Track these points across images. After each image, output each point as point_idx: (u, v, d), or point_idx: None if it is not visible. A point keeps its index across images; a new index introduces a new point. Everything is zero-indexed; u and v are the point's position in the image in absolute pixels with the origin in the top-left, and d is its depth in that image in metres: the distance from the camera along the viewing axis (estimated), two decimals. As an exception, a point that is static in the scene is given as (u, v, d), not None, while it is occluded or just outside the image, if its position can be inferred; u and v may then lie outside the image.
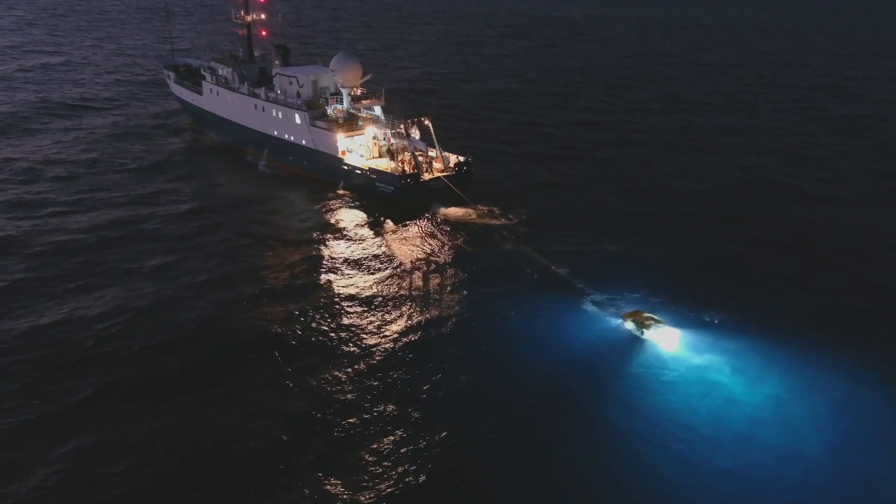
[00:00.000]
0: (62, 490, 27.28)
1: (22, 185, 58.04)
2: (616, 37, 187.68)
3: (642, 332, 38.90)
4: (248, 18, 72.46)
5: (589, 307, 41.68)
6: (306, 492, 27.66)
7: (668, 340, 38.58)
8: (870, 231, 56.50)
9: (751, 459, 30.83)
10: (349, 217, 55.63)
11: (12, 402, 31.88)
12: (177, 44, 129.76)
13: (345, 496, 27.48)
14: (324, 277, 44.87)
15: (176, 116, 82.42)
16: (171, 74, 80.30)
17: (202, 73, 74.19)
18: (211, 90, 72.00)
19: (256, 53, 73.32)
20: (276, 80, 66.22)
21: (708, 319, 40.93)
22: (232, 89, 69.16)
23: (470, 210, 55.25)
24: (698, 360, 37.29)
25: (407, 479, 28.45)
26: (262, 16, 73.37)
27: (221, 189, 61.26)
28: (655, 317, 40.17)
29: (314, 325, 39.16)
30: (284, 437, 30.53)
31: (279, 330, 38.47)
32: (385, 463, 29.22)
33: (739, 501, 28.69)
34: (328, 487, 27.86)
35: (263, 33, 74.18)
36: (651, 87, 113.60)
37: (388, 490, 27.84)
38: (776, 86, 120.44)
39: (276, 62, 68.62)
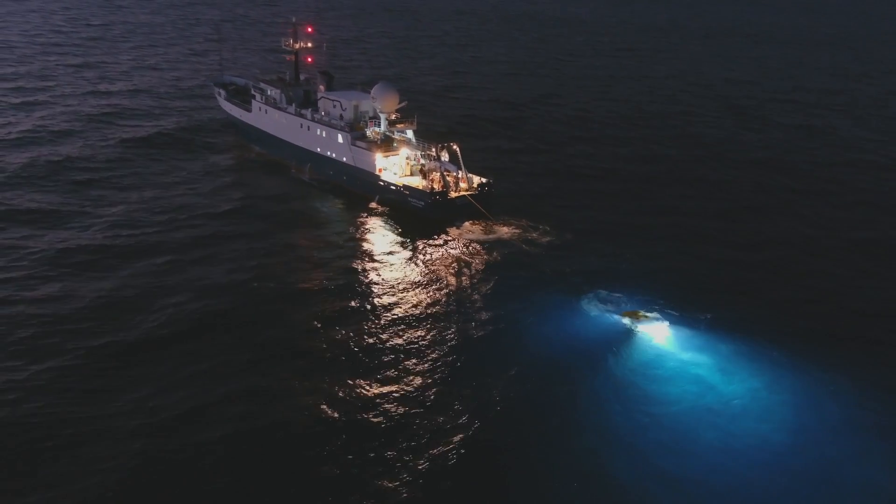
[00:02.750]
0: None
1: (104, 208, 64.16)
2: (651, 48, 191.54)
3: (637, 328, 46.40)
4: (296, 46, 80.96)
5: (594, 306, 49.12)
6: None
7: (659, 337, 45.84)
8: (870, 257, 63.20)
9: (725, 442, 37.10)
10: (384, 227, 63.54)
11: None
12: (212, 58, 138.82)
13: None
14: (358, 279, 52.63)
15: (224, 131, 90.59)
16: (222, 92, 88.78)
17: (252, 92, 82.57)
18: (260, 108, 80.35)
19: (301, 77, 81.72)
20: (320, 103, 74.45)
21: (698, 322, 47.63)
22: (280, 109, 77.46)
23: (490, 224, 62.86)
24: (685, 355, 44.21)
25: (422, 464, 34.05)
26: (309, 44, 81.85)
27: (269, 199, 69.03)
28: (650, 315, 47.71)
29: (346, 319, 46.80)
30: (308, 434, 35.68)
31: (313, 328, 45.61)
32: (397, 448, 34.98)
33: (714, 478, 34.67)
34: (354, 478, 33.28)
35: (309, 60, 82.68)
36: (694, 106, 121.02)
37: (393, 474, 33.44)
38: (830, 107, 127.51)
39: (321, 87, 76.80)
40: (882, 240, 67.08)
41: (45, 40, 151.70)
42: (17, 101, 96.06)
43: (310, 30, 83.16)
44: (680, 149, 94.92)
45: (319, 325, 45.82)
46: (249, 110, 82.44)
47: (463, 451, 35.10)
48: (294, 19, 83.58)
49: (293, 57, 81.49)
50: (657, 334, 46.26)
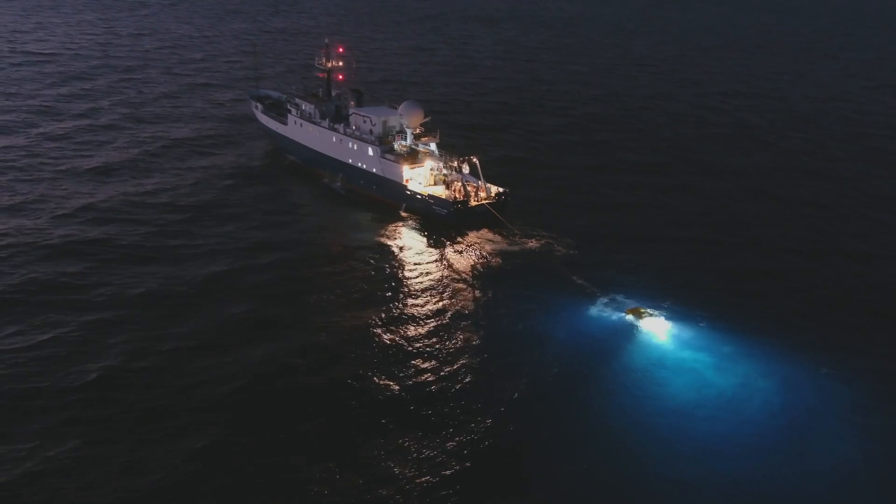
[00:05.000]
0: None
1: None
2: (669, 59, 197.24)
3: (640, 325, 52.82)
4: (329, 65, 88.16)
5: (601, 304, 55.60)
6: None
7: (660, 333, 52.11)
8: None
9: (718, 430, 42.06)
10: (410, 232, 70.61)
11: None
12: (242, 71, 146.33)
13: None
14: (387, 279, 59.66)
15: (261, 142, 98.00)
16: (259, 106, 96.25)
17: (288, 107, 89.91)
18: (295, 122, 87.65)
19: (333, 93, 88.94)
20: (352, 118, 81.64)
21: (696, 319, 53.94)
22: (314, 123, 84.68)
23: (507, 231, 69.55)
24: (683, 350, 50.17)
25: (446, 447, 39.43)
26: (340, 63, 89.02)
27: (306, 205, 76.71)
28: (651, 312, 54.12)
29: (373, 313, 53.74)
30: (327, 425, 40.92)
31: (342, 322, 52.29)
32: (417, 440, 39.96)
33: (706, 463, 39.39)
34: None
35: (340, 77, 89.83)
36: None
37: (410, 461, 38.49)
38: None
39: (352, 103, 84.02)
40: (880, 250, 72.91)
41: (88, 54, 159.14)
42: (74, 127, 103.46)
43: (341, 50, 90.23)
44: (697, 165, 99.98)
45: (350, 322, 52.54)
46: (285, 123, 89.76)
47: (474, 440, 40.31)
48: (327, 40, 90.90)
49: (325, 75, 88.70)
50: (658, 330, 52.51)
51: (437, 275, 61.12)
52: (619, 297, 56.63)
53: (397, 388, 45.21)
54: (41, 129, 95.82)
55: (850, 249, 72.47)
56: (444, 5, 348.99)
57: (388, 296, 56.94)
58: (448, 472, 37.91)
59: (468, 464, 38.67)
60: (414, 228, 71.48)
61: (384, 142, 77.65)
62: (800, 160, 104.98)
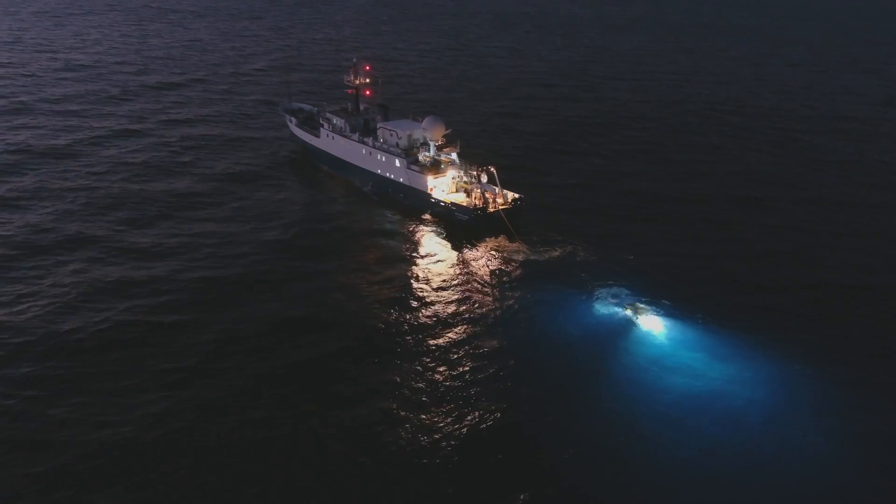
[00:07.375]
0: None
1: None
2: (689, 69, 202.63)
3: (639, 320, 58.96)
4: (357, 82, 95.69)
5: (605, 302, 61.65)
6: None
7: (658, 328, 57.70)
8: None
9: (709, 421, 45.49)
10: (434, 236, 77.56)
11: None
12: (271, 84, 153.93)
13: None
14: (412, 277, 66.39)
15: (297, 154, 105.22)
16: (293, 119, 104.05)
17: (320, 121, 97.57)
18: (327, 135, 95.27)
19: (361, 108, 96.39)
20: (379, 132, 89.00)
21: (694, 318, 59.14)
22: (345, 136, 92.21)
23: (523, 235, 76.24)
24: (678, 344, 54.99)
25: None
26: (367, 80, 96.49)
27: (340, 212, 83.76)
28: (650, 308, 60.17)
29: (396, 307, 60.02)
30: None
31: (367, 320, 58.34)
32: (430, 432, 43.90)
33: (697, 452, 42.87)
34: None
35: (368, 93, 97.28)
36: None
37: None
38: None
39: (378, 117, 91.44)
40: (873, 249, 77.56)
41: (127, 69, 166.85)
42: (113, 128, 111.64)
43: (368, 68, 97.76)
44: (711, 172, 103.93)
45: (375, 315, 59.14)
46: (318, 136, 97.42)
47: (482, 429, 44.29)
48: (355, 59, 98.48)
49: (354, 91, 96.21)
50: (655, 325, 58.17)
51: (455, 274, 67.64)
52: (622, 294, 62.42)
53: (404, 373, 50.40)
54: (95, 153, 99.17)
55: (855, 258, 76.56)
56: (467, 16, 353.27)
57: (410, 289, 63.73)
58: (448, 460, 41.97)
59: (469, 452, 42.61)
60: (437, 232, 78.39)
61: (410, 153, 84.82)
62: (823, 174, 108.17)
